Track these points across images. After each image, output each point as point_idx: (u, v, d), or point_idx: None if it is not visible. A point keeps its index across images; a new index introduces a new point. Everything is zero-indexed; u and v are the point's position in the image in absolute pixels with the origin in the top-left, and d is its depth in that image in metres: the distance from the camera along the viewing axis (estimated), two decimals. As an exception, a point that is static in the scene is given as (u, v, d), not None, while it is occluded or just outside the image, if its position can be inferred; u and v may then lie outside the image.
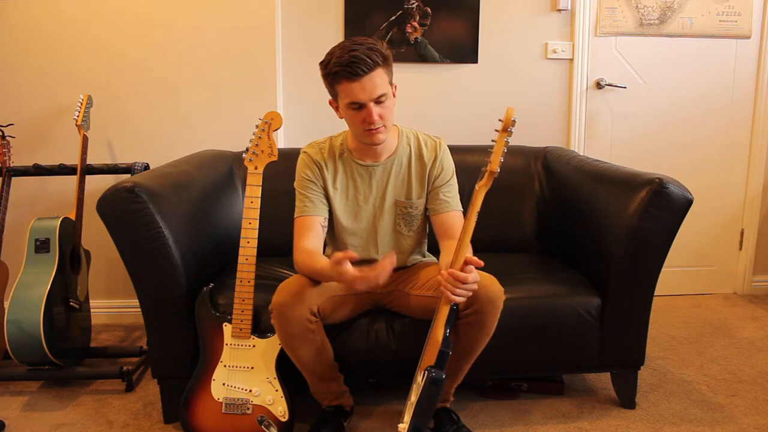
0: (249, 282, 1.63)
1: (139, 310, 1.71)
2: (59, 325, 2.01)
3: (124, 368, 2.01)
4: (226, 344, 1.65)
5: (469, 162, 2.18)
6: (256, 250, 1.64)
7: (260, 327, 1.68)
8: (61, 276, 2.04)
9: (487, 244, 1.85)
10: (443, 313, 1.42)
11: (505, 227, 2.28)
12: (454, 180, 1.75)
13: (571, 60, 2.67)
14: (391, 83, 1.59)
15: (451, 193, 1.72)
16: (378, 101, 1.54)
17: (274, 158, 1.67)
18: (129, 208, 1.60)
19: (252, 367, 1.64)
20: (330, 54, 1.54)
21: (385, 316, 1.75)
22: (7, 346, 1.93)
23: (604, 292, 1.78)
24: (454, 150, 1.80)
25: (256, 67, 2.49)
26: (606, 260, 1.79)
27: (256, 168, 1.66)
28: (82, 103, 2.26)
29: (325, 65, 1.55)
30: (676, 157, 2.80)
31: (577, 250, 2.01)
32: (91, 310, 2.31)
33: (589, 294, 1.79)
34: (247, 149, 1.67)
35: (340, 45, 1.55)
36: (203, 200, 1.96)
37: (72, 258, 2.13)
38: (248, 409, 1.63)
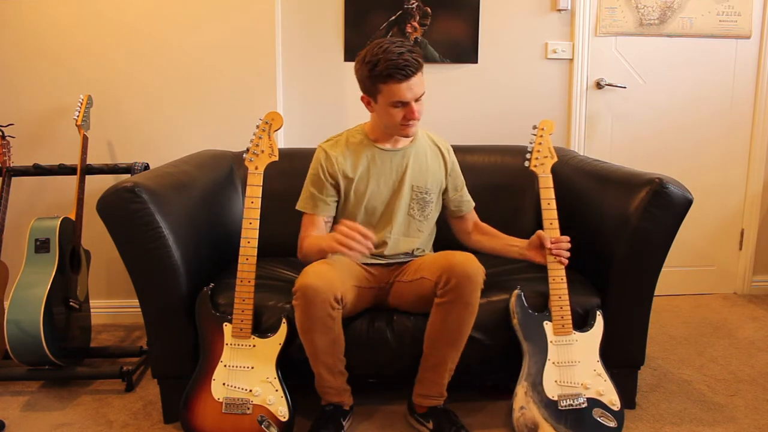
0: (249, 282, 1.63)
1: (139, 310, 1.71)
2: (59, 325, 2.01)
3: (124, 368, 2.01)
4: (227, 344, 1.65)
5: (469, 162, 2.17)
6: (256, 250, 1.64)
7: (260, 327, 1.68)
8: (61, 276, 2.04)
9: (487, 244, 1.86)
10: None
11: (505, 227, 2.27)
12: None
13: (571, 60, 2.66)
14: None
15: (467, 192, 1.94)
16: (418, 99, 1.65)
17: (275, 158, 1.68)
18: (129, 208, 1.60)
19: (252, 367, 1.64)
20: (374, 54, 1.59)
21: (385, 315, 1.75)
22: (7, 346, 1.93)
23: (604, 292, 1.78)
24: (455, 150, 1.80)
25: (256, 67, 2.49)
26: (606, 260, 1.78)
27: (256, 168, 1.67)
28: (82, 103, 2.26)
29: (372, 66, 1.60)
30: (675, 156, 2.80)
31: (577, 250, 2.01)
32: (91, 310, 2.31)
33: (589, 294, 1.79)
34: (248, 149, 1.67)
35: (383, 47, 1.59)
36: (203, 200, 1.96)
37: (72, 258, 2.13)
38: (248, 409, 1.63)
